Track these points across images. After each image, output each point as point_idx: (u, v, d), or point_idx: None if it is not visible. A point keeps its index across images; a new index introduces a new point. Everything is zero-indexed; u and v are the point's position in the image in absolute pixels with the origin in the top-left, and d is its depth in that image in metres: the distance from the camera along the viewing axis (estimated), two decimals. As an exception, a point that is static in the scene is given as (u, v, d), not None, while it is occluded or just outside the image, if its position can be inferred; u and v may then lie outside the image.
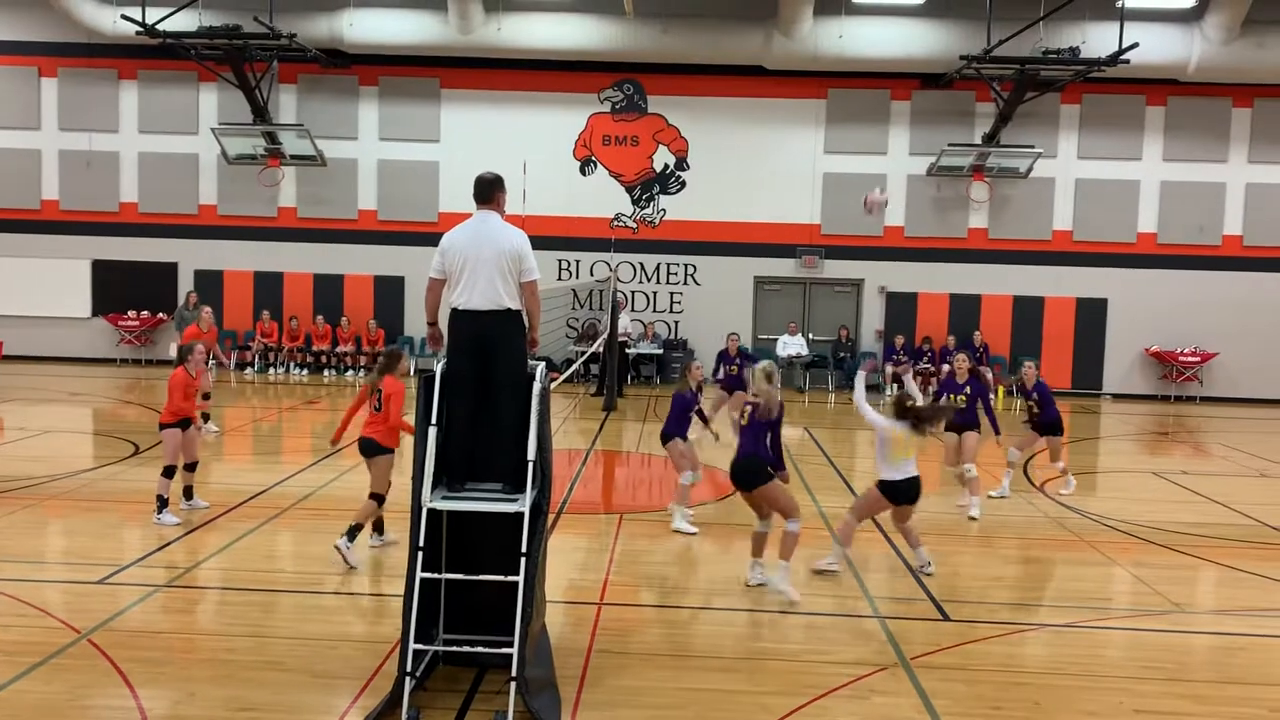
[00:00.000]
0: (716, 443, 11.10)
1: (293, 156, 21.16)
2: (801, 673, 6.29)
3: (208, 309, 14.22)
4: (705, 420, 10.85)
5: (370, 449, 8.44)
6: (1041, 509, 11.10)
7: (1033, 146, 20.59)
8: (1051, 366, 21.35)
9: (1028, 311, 21.54)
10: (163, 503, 9.30)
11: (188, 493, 9.78)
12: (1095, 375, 21.59)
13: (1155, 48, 19.04)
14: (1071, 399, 20.79)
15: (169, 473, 9.39)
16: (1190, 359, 21.08)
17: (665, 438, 9.94)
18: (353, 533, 8.17)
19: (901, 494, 8.13)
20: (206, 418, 13.89)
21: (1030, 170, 20.80)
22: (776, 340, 21.32)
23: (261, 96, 20.35)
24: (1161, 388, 21.47)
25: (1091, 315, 21.49)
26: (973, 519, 10.42)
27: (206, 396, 14.00)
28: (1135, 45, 17.76)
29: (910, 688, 6.11)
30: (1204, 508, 11.44)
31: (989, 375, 11.59)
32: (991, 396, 11.75)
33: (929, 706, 5.85)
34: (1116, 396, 21.38)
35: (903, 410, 8.17)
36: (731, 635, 7.08)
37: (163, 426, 9.48)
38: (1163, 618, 7.60)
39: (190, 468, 9.73)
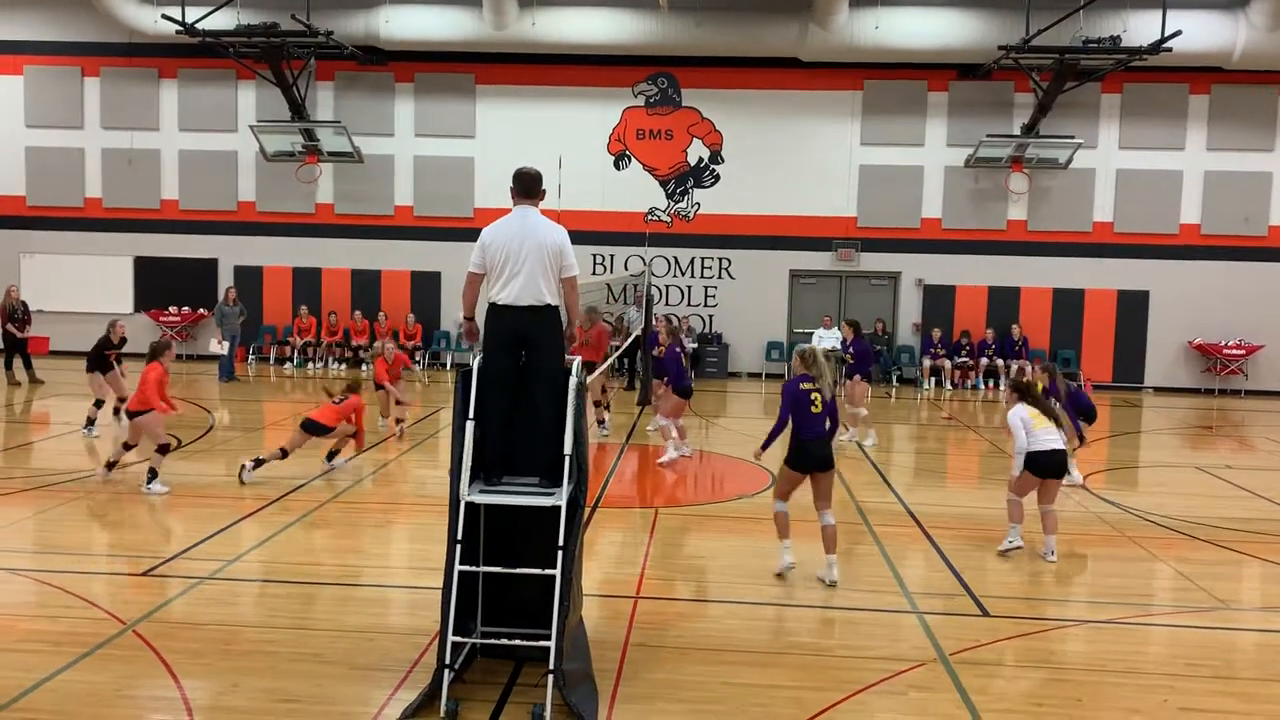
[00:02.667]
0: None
1: (330, 153, 21.35)
2: (839, 668, 6.26)
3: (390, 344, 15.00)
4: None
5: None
6: (1082, 504, 10.97)
7: (1073, 137, 20.33)
8: (1093, 360, 21.12)
9: (1068, 304, 21.28)
10: (154, 474, 10.33)
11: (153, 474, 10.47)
12: (1137, 368, 21.30)
13: (1198, 35, 18.73)
14: (1113, 392, 20.54)
15: (165, 450, 10.51)
16: (1234, 352, 20.73)
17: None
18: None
19: (1044, 467, 8.65)
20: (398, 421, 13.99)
21: (1070, 161, 20.52)
22: (812, 334, 21.20)
23: (299, 94, 20.54)
24: (1205, 381, 21.14)
25: (1133, 308, 21.19)
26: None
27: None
28: (1178, 33, 17.47)
29: (949, 684, 6.06)
30: (1248, 503, 11.25)
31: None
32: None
33: (968, 703, 5.80)
34: (1159, 390, 21.07)
35: (1020, 387, 9.27)
36: (768, 629, 7.06)
37: (135, 414, 10.48)
38: (1207, 614, 7.48)
39: (162, 449, 10.49)
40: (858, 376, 14.45)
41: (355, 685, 5.85)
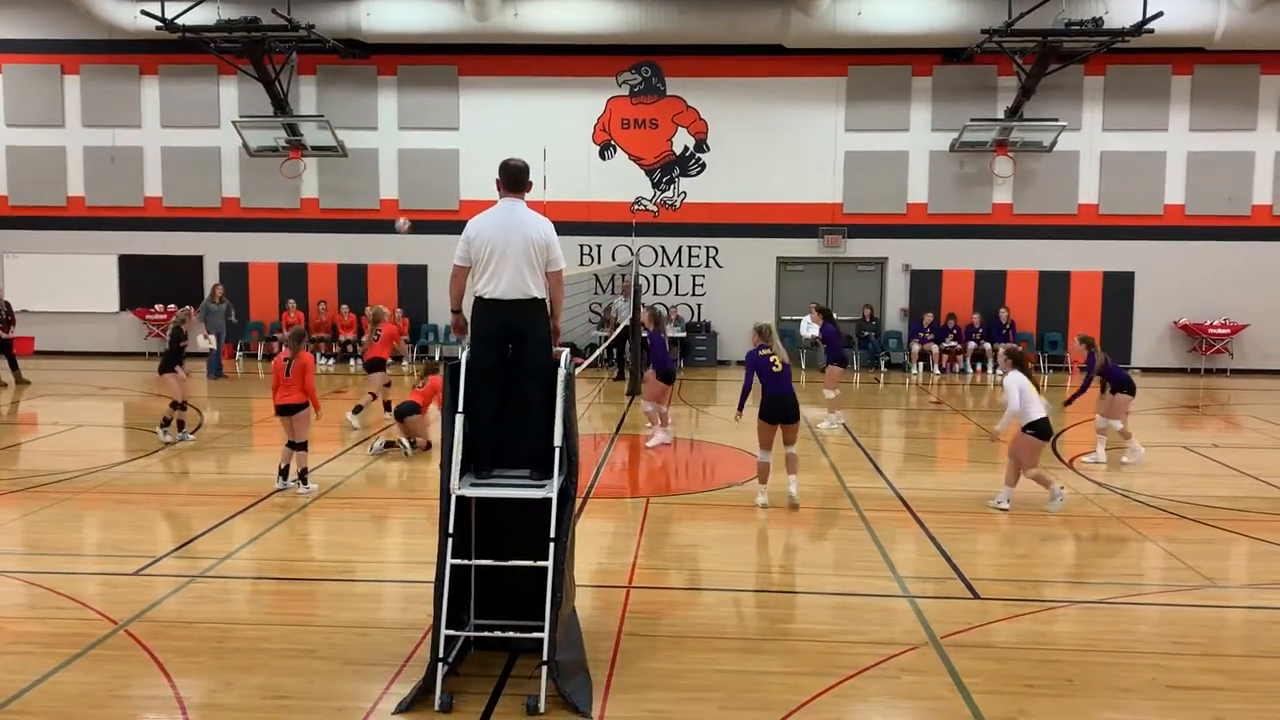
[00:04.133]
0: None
1: (314, 148, 21.26)
2: (832, 653, 6.29)
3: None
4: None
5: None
6: (1071, 485, 11.03)
7: (1056, 120, 20.37)
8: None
9: (1054, 287, 21.35)
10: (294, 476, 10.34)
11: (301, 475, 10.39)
12: (1124, 349, 21.38)
13: (1180, 16, 18.77)
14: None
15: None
16: (1220, 331, 20.84)
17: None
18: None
19: (1046, 433, 9.77)
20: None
21: (1054, 144, 20.57)
22: (800, 321, 21.17)
23: (281, 88, 20.43)
24: (1191, 361, 21.25)
25: (1119, 289, 21.28)
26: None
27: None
28: (1160, 14, 17.52)
29: (941, 666, 6.10)
30: (1236, 481, 11.33)
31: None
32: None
33: (960, 685, 5.84)
34: (1145, 370, 21.16)
35: (1015, 355, 10.16)
36: (761, 616, 7.09)
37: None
38: (1195, 592, 7.54)
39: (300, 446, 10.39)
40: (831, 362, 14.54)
41: (349, 681, 5.85)
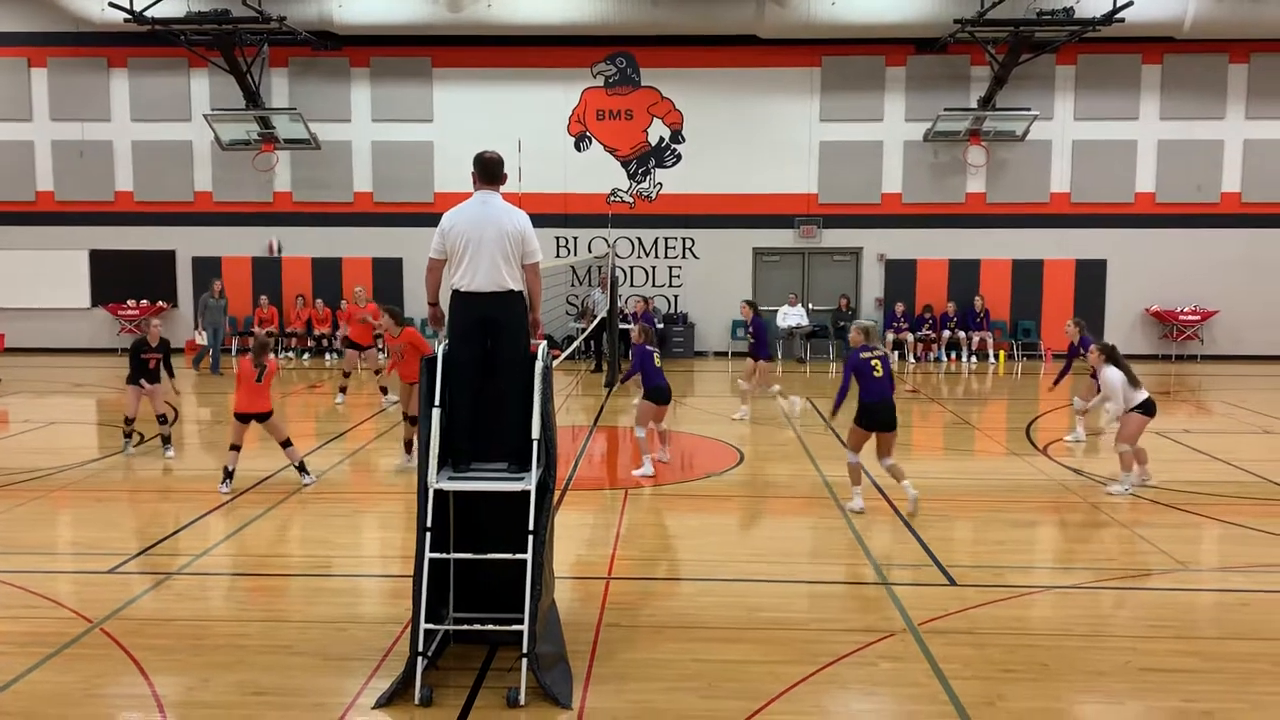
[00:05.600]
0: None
1: (286, 140, 21.10)
2: (811, 641, 6.33)
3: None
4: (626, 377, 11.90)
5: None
6: (1044, 471, 11.14)
7: (1029, 109, 20.48)
8: (1053, 329, 21.36)
9: (1027, 275, 21.52)
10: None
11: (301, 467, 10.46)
12: (1096, 336, 21.44)
13: (1150, 5, 18.91)
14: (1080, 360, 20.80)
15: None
16: (1190, 318, 21.07)
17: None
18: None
19: (1151, 409, 10.01)
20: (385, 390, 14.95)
21: (1027, 133, 20.70)
22: (777, 311, 21.30)
23: (253, 81, 20.26)
24: (1162, 347, 21.47)
25: (1091, 276, 21.46)
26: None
27: (346, 375, 15.37)
28: (1130, 3, 17.67)
29: (918, 653, 6.15)
30: (1207, 465, 11.47)
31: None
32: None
33: (937, 671, 5.89)
34: (1118, 357, 21.34)
35: (1108, 349, 10.33)
36: (740, 606, 7.12)
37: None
38: (1167, 576, 7.63)
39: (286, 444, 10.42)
40: (759, 356, 14.46)
41: (328, 676, 5.84)
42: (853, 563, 7.99)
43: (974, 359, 20.71)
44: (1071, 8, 18.62)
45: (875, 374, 9.05)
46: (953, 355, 21.02)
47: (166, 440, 11.84)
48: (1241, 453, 12.04)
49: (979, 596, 7.14)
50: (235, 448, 10.15)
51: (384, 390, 15.12)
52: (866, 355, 9.11)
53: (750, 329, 14.51)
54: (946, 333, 21.09)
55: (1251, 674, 5.93)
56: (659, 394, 10.99)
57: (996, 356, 20.65)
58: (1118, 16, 17.86)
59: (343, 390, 15.54)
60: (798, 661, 6.00)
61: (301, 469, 10.37)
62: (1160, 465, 11.40)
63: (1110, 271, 21.45)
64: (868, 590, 7.34)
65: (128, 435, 12.11)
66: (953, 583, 7.48)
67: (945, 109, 20.55)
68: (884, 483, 10.48)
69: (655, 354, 11.17)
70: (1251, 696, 5.62)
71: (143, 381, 11.71)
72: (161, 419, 11.87)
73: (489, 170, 6.12)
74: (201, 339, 18.17)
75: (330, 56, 21.19)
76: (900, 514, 9.29)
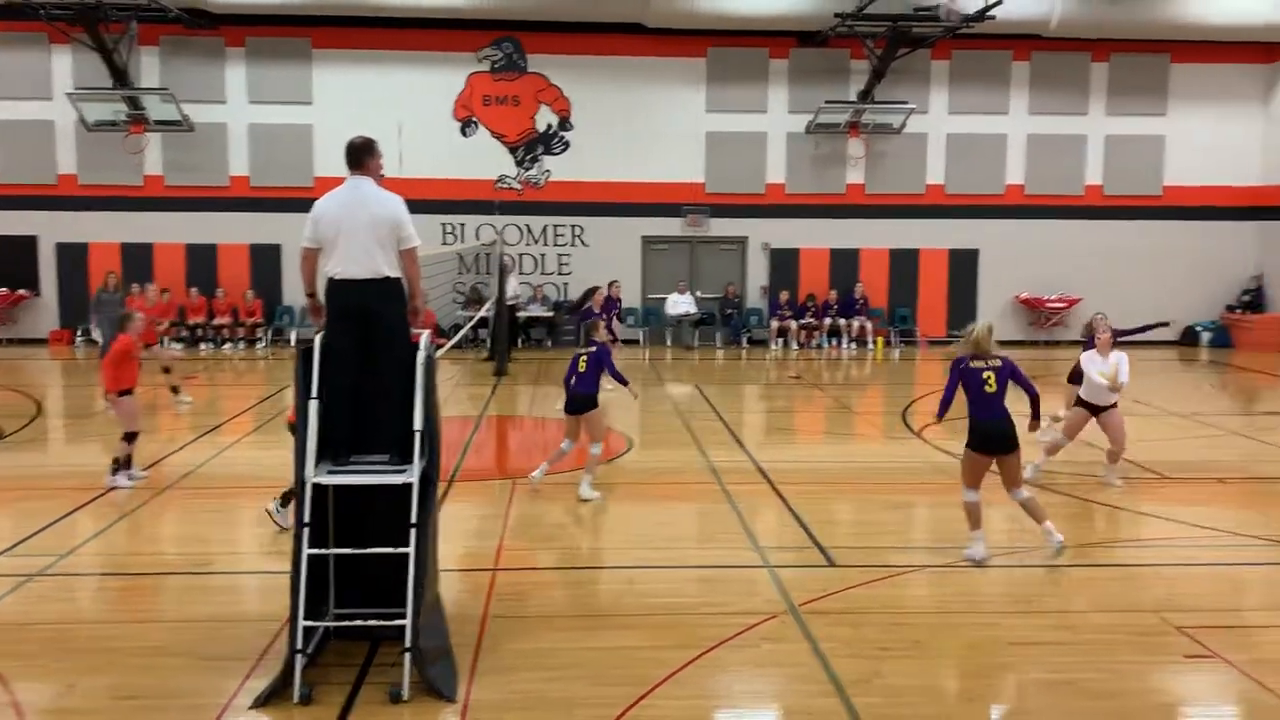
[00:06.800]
0: (636, 400, 11.57)
1: (157, 122, 20.25)
2: (696, 626, 6.42)
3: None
4: (623, 380, 10.08)
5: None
6: (920, 455, 11.51)
7: (906, 103, 21.07)
8: (928, 316, 22.11)
9: (904, 264, 22.15)
10: (118, 464, 9.62)
11: (127, 462, 9.77)
12: (969, 323, 22.31)
13: (1019, 4, 19.59)
14: (947, 348, 21.55)
15: (131, 438, 9.70)
16: (1057, 305, 22.02)
17: (589, 401, 9.50)
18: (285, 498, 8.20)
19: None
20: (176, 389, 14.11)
21: (904, 126, 21.28)
22: (665, 299, 21.45)
23: (121, 59, 19.37)
24: (1031, 333, 22.39)
25: (964, 265, 22.23)
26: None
27: (167, 370, 14.11)
28: (1000, 2, 18.28)
29: (799, 634, 6.30)
30: (1073, 447, 11.95)
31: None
32: None
33: (817, 651, 6.05)
34: (990, 343, 22.15)
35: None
36: (629, 593, 7.18)
37: (119, 393, 9.72)
38: (1036, 553, 7.97)
39: (131, 437, 9.77)
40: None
41: (203, 676, 5.66)
42: (738, 547, 8.13)
43: (854, 345, 21.24)
44: (946, 4, 19.19)
45: (987, 389, 7.59)
46: (834, 342, 21.52)
47: None
48: (1102, 434, 12.60)
49: (858, 576, 7.35)
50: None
51: (175, 390, 14.22)
52: (977, 365, 7.65)
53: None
54: (828, 320, 21.57)
55: (1112, 644, 6.26)
56: (571, 402, 9.69)
57: (875, 343, 21.22)
58: (989, 14, 18.50)
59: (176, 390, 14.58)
60: (683, 646, 6.08)
61: (119, 467, 9.65)
62: (1030, 448, 11.84)
63: (982, 260, 22.25)
64: (752, 573, 7.48)
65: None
66: (833, 564, 7.68)
67: (826, 101, 20.97)
68: (771, 466, 10.67)
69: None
70: (1112, 666, 5.93)
71: None
72: None
73: (354, 155, 6.02)
74: (98, 335, 17.07)
75: (204, 35, 20.39)
76: (783, 496, 9.48)
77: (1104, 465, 10.27)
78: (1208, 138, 22.06)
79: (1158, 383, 16.62)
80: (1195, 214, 21.89)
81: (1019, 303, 22.29)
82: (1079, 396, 10.30)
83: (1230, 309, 22.28)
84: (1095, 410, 10.02)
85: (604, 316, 14.12)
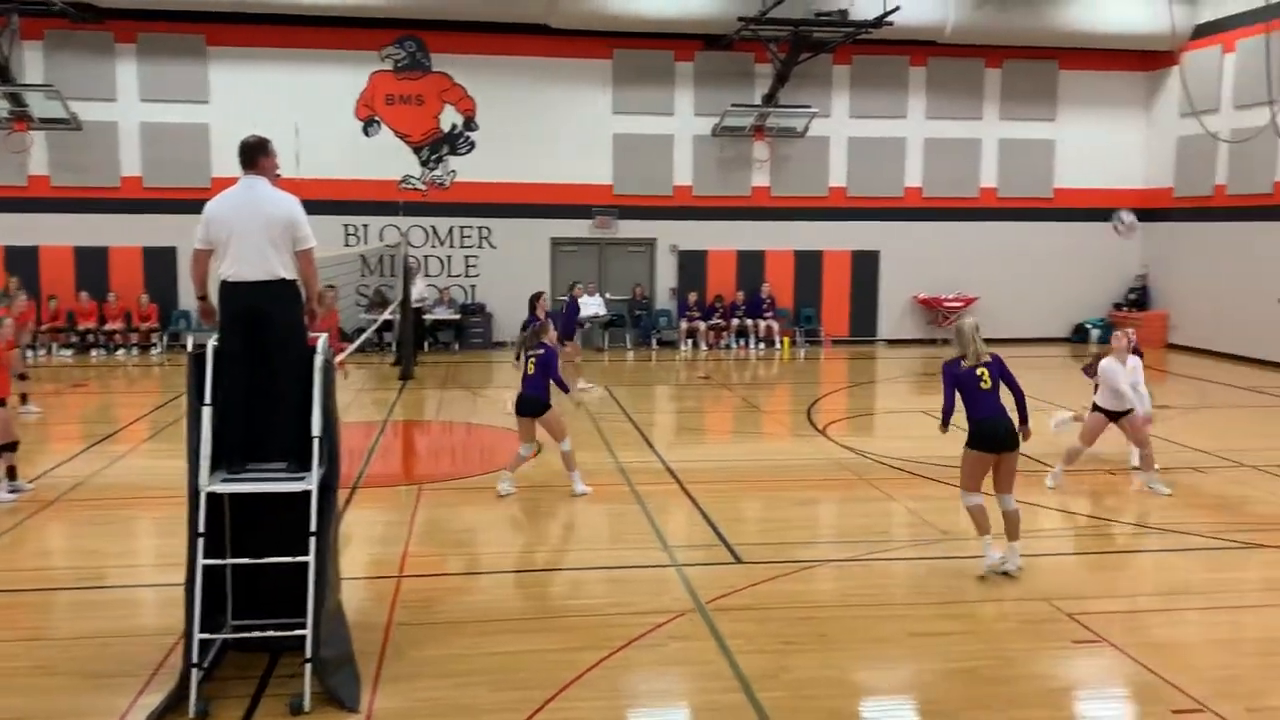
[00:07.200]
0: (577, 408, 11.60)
1: (42, 120, 19.43)
2: (604, 626, 6.42)
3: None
4: (564, 387, 9.89)
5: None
6: (825, 452, 11.71)
7: (809, 106, 21.40)
8: (831, 316, 22.52)
9: (808, 265, 22.51)
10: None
11: (10, 473, 9.35)
12: (870, 323, 22.86)
13: (915, 11, 20.07)
14: (850, 346, 22.03)
15: (8, 449, 9.34)
16: (954, 304, 22.62)
17: (539, 404, 9.44)
18: None
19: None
20: (25, 398, 13.35)
21: (807, 129, 21.63)
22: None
23: (2, 54, 18.54)
24: (930, 332, 22.94)
25: (865, 266, 22.69)
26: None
27: (23, 377, 13.10)
28: (897, 8, 18.73)
29: (706, 631, 6.36)
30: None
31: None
32: None
33: (724, 647, 6.11)
34: (890, 342, 22.70)
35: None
36: (536, 595, 7.15)
37: None
38: (934, 546, 8.20)
39: (10, 448, 9.34)
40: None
41: (93, 695, 5.46)
42: (647, 547, 8.16)
43: (761, 345, 21.51)
44: (846, 10, 19.57)
45: (982, 386, 7.45)
46: (741, 342, 21.75)
47: None
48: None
49: (764, 573, 7.44)
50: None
51: (24, 398, 13.38)
52: (969, 365, 7.51)
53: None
54: (735, 321, 21.80)
55: (1004, 633, 6.48)
56: (521, 403, 9.64)
57: (781, 343, 21.52)
58: (887, 20, 18.92)
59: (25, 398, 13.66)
60: (591, 647, 6.08)
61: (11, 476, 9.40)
62: (929, 443, 12.12)
63: (883, 261, 22.74)
64: (661, 572, 7.52)
65: None
66: (740, 560, 7.77)
67: (732, 104, 21.19)
68: (681, 466, 10.74)
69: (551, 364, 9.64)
70: (1005, 653, 6.13)
71: None
72: None
73: (248, 155, 5.89)
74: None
75: (91, 30, 19.65)
76: (692, 496, 9.55)
77: (1142, 475, 10.10)
78: (1095, 142, 22.91)
79: (1046, 377, 17.18)
80: (1084, 215, 22.72)
81: (918, 302, 22.84)
82: (1095, 404, 10.10)
83: (1117, 306, 23.19)
84: (1114, 416, 9.98)
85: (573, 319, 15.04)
